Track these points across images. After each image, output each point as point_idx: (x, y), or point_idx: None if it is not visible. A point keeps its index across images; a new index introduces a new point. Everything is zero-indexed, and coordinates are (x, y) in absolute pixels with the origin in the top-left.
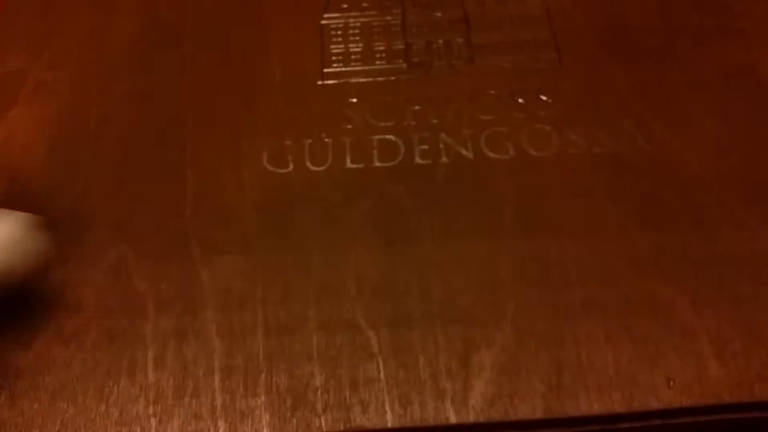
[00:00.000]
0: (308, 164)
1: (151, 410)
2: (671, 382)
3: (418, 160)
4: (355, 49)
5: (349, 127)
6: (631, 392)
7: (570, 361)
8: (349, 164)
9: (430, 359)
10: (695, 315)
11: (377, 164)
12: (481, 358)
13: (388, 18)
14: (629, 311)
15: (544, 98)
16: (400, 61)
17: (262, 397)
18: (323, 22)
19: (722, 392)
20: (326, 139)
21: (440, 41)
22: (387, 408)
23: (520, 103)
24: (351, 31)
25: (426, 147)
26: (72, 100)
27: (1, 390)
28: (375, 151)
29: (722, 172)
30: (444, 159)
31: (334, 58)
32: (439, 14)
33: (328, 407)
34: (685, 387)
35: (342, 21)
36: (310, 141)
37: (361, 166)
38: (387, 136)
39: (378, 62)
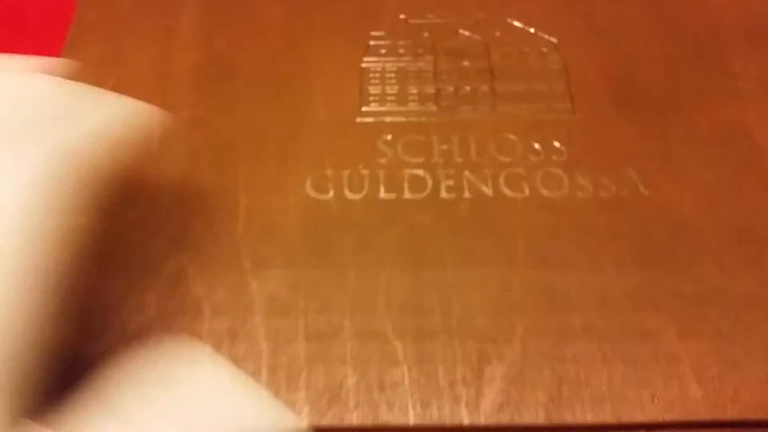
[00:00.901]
0: (346, 192)
1: None
2: (655, 400)
3: (443, 194)
4: (391, 91)
5: (383, 161)
6: (620, 406)
7: (569, 377)
8: (382, 194)
9: (448, 368)
10: (680, 343)
11: (407, 196)
12: (492, 370)
13: (421, 64)
14: (622, 337)
15: (557, 145)
16: (431, 103)
17: (303, 393)
18: (363, 65)
19: (699, 410)
20: (363, 171)
21: (467, 88)
22: (410, 408)
23: (536, 148)
24: (387, 75)
25: (451, 183)
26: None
27: None
28: (406, 184)
29: (713, 220)
30: (467, 194)
31: (371, 98)
32: (466, 63)
33: (358, 405)
34: (668, 404)
35: (380, 65)
36: (348, 172)
37: (393, 196)
38: (416, 171)
39: (411, 104)
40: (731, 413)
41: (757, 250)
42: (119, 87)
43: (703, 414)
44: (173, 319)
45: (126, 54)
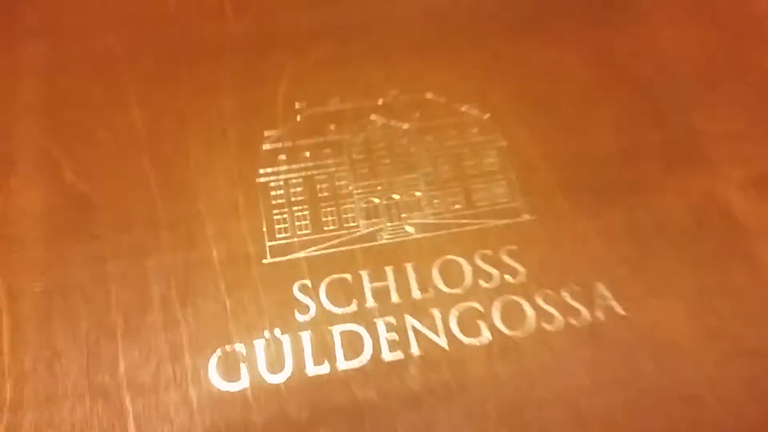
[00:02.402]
0: (264, 373)
1: None
2: None
3: (387, 355)
4: (300, 214)
5: (306, 318)
6: None
7: None
8: (311, 369)
9: None
10: None
11: (343, 365)
12: None
13: (333, 170)
14: None
15: (509, 261)
16: (352, 224)
17: None
18: (259, 179)
19: None
20: (281, 337)
21: (394, 196)
22: None
23: (487, 270)
24: (293, 191)
25: (394, 336)
26: None
27: None
28: (338, 347)
29: (701, 336)
30: (415, 350)
31: (278, 227)
32: (388, 162)
33: None
34: None
35: (280, 178)
36: (263, 341)
37: (325, 370)
38: (349, 327)
39: (327, 228)
40: None
41: (757, 369)
42: None
43: None
44: None
45: None
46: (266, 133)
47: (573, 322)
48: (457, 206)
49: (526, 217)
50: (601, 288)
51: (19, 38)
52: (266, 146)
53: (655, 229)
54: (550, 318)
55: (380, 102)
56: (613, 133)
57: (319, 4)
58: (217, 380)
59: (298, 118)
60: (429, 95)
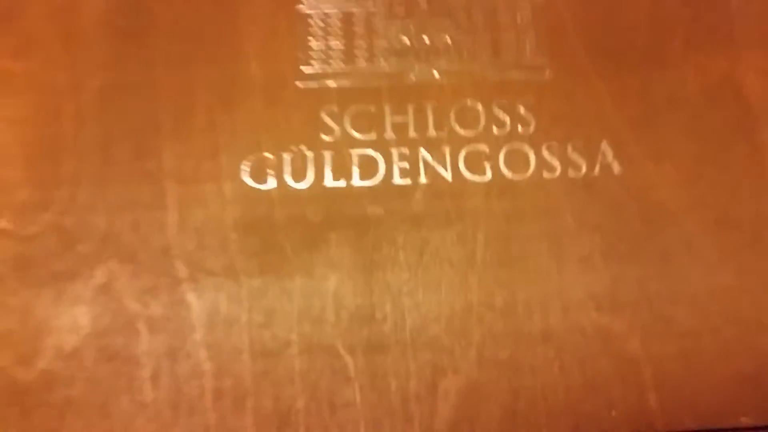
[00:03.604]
0: (289, 181)
1: (151, 428)
2: (613, 412)
3: (397, 179)
4: (335, 46)
5: (330, 139)
6: (577, 420)
7: (526, 389)
8: (329, 182)
9: (401, 384)
10: (642, 349)
11: (357, 183)
12: (446, 384)
13: (371, 8)
14: (583, 343)
15: (524, 112)
16: (382, 61)
17: (251, 419)
18: (301, 8)
19: (657, 422)
20: (306, 153)
21: (424, 38)
22: (361, 430)
23: (501, 118)
24: (330, 22)
25: (406, 165)
26: (44, 96)
27: (13, 406)
28: (355, 168)
29: (689, 202)
30: (423, 179)
31: (312, 54)
32: (424, 6)
33: (309, 429)
34: (625, 416)
35: (322, 9)
36: (290, 155)
37: (342, 184)
38: (367, 151)
39: (358, 61)
40: (689, 423)
41: (734, 238)
42: (20, 48)
43: (661, 426)
44: (109, 338)
45: (23, 6)
46: None
47: (571, 174)
48: (484, 56)
49: (549, 74)
50: (606, 147)
51: None
52: None
53: (667, 100)
54: (550, 167)
55: None
56: (644, 4)
57: None
58: (248, 179)
59: None
60: None
